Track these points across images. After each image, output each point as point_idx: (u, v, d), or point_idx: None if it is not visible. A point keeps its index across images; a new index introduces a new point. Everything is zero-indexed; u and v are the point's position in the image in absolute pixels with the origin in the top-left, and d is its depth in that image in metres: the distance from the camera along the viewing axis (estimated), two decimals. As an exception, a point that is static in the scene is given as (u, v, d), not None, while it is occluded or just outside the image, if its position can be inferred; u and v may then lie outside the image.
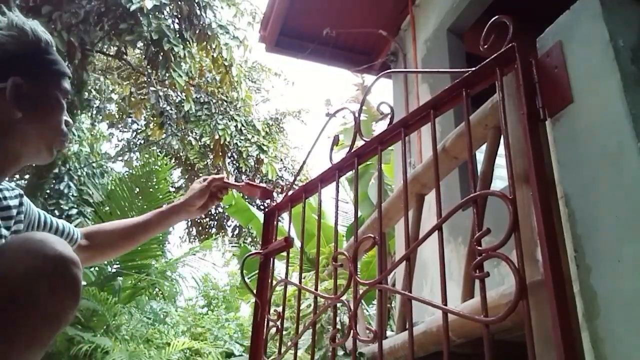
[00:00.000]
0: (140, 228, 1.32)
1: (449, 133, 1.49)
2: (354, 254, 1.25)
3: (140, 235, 1.33)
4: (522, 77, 0.98)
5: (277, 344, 1.49)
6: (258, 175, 9.51)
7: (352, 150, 1.39)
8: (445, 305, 0.96)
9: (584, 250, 0.93)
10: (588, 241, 0.92)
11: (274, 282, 1.60)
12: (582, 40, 1.00)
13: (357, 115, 1.36)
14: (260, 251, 1.63)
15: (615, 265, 0.86)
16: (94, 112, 9.54)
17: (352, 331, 1.17)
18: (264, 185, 1.48)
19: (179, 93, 7.86)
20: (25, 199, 1.08)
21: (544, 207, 0.88)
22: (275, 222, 1.69)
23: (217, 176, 1.40)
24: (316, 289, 1.41)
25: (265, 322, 1.53)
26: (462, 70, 1.09)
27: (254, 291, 1.58)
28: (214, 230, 10.81)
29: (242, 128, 8.44)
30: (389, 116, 1.28)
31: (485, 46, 1.04)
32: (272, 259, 1.63)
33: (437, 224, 1.03)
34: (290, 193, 1.63)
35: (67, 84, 1.02)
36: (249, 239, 10.37)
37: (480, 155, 1.40)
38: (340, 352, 4.85)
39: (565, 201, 0.98)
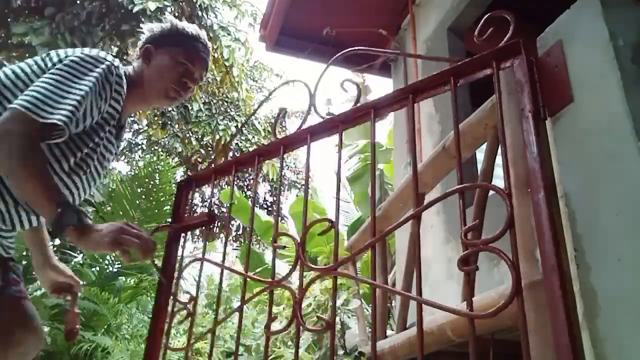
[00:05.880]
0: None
1: (449, 132, 1.49)
2: (302, 237, 1.17)
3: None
4: (523, 75, 0.98)
5: (212, 334, 1.36)
6: (260, 175, 9.52)
7: (306, 127, 1.33)
8: (421, 296, 0.94)
9: (584, 250, 0.93)
10: (588, 240, 0.92)
11: (189, 261, 1.46)
12: (583, 39, 0.99)
13: (312, 90, 1.32)
14: (170, 224, 1.46)
15: (615, 265, 0.86)
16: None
17: (295, 320, 1.09)
18: (72, 326, 1.45)
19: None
20: None
21: (544, 207, 0.88)
22: (190, 195, 1.53)
23: (73, 281, 1.46)
24: (246, 271, 1.30)
25: (170, 305, 1.39)
26: (463, 60, 1.07)
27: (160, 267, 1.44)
28: (216, 230, 10.76)
29: (243, 128, 8.44)
30: (356, 96, 1.25)
31: (482, 38, 1.03)
32: (183, 235, 1.47)
33: (414, 213, 1.03)
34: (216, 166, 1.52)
35: (190, 60, 1.41)
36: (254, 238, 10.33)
37: (481, 154, 1.40)
38: (341, 352, 4.83)
39: (565, 201, 0.98)
